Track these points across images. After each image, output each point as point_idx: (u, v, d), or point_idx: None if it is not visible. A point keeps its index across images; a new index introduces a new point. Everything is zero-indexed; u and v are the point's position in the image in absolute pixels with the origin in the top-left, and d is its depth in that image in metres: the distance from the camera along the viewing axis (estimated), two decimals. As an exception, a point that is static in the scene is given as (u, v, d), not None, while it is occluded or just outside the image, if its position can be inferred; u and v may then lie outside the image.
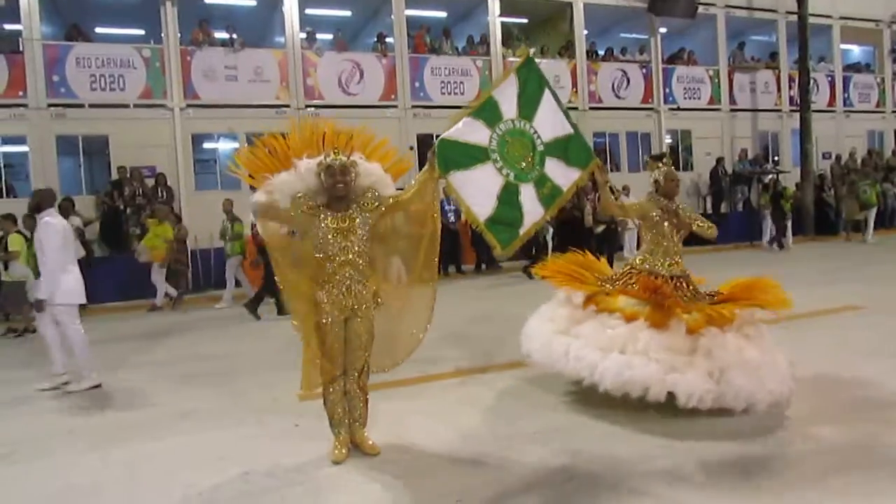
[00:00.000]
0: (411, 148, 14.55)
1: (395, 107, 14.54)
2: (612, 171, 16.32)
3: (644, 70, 17.32)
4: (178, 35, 12.96)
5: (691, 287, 4.49)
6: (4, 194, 12.24)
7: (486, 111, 4.07)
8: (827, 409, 4.26)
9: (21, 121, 11.96)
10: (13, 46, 11.92)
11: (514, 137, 4.14)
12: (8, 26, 12.49)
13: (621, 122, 16.98)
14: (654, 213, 4.57)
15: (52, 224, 5.65)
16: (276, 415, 4.74)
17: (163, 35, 12.93)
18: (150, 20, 13.34)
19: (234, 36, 13.43)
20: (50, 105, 12.06)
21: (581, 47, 16.57)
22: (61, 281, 5.66)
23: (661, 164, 4.70)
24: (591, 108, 16.47)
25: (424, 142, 14.89)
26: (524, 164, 4.18)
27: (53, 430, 4.76)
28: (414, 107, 14.64)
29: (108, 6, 14.11)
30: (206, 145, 14.28)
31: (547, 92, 4.39)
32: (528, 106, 4.21)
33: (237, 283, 10.79)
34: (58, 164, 12.33)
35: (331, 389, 3.86)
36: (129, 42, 13.19)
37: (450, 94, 15.02)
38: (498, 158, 4.08)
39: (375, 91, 14.43)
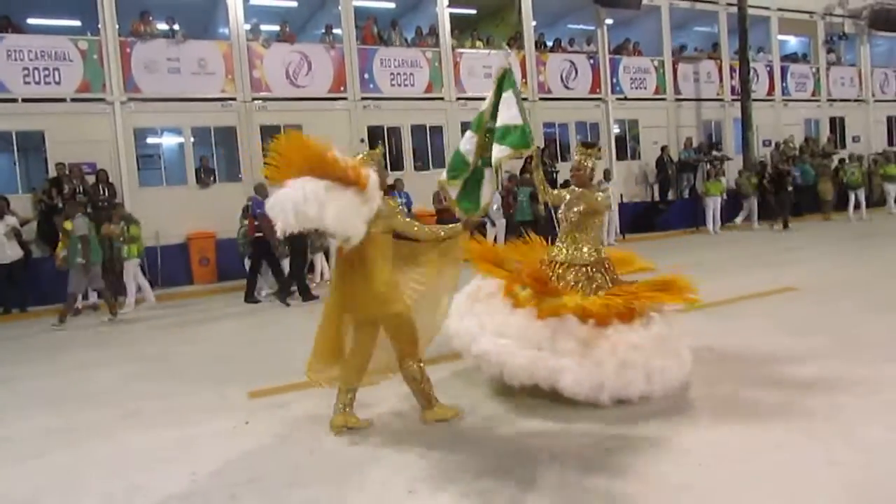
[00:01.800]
0: (362, 140, 14.47)
1: (344, 99, 14.37)
2: (561, 160, 16.56)
3: (591, 61, 17.57)
4: (117, 26, 12.51)
5: (586, 275, 4.46)
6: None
7: (476, 122, 5.11)
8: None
9: (-51, 116, 11.39)
10: (-62, 38, 11.32)
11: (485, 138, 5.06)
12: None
13: (570, 112, 17.18)
14: (563, 203, 4.71)
15: None
16: (225, 413, 4.66)
17: (100, 26, 12.45)
18: (87, 11, 12.80)
19: (176, 27, 13.04)
20: (-20, 100, 11.51)
21: (530, 38, 16.69)
22: None
23: (588, 152, 4.75)
24: (541, 99, 16.61)
25: (374, 134, 14.83)
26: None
27: (-10, 437, 4.59)
28: (363, 99, 14.50)
29: (40, -4, 13.55)
30: (150, 140, 13.86)
31: (511, 92, 4.97)
32: (495, 112, 5.00)
33: (138, 288, 10.35)
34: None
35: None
36: (65, 34, 12.67)
37: (399, 85, 14.95)
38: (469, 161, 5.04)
39: (324, 83, 14.23)
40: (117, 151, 12.30)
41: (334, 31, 14.62)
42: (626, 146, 18.07)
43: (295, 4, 15.62)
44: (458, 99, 15.57)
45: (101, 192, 11.66)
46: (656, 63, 18.47)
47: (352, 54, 14.44)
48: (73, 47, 12.16)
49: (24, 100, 11.74)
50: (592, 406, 4.09)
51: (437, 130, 15.44)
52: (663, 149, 17.55)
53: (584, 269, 4.48)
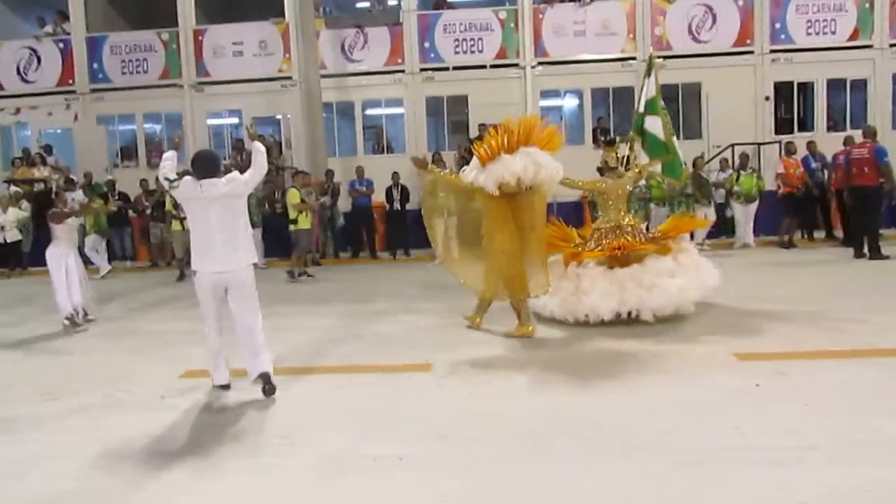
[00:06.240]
0: (767, 98, 13.23)
1: (749, 53, 13.21)
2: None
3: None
4: (530, -7, 13.42)
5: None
6: (385, 150, 14.20)
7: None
8: None
9: (398, 85, 13.63)
10: (395, 19, 13.58)
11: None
12: (391, 1, 14.22)
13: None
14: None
15: None
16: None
17: (516, -5, 13.53)
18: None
19: (583, -10, 13.45)
20: (421, 70, 13.50)
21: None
22: None
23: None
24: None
25: (781, 90, 13.35)
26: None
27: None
28: (773, 51, 13.17)
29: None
30: (548, 102, 14.60)
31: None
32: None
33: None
34: (426, 124, 13.80)
35: None
36: (487, 6, 14.06)
37: (818, 34, 13.15)
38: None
39: (728, 36, 13.27)
40: (525, 112, 13.29)
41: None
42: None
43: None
44: (893, 45, 13.12)
45: (510, 150, 12.75)
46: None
47: (763, 3, 13.15)
48: (494, 18, 13.45)
49: (455, 68, 13.42)
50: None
51: (860, 84, 13.28)
52: None
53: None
